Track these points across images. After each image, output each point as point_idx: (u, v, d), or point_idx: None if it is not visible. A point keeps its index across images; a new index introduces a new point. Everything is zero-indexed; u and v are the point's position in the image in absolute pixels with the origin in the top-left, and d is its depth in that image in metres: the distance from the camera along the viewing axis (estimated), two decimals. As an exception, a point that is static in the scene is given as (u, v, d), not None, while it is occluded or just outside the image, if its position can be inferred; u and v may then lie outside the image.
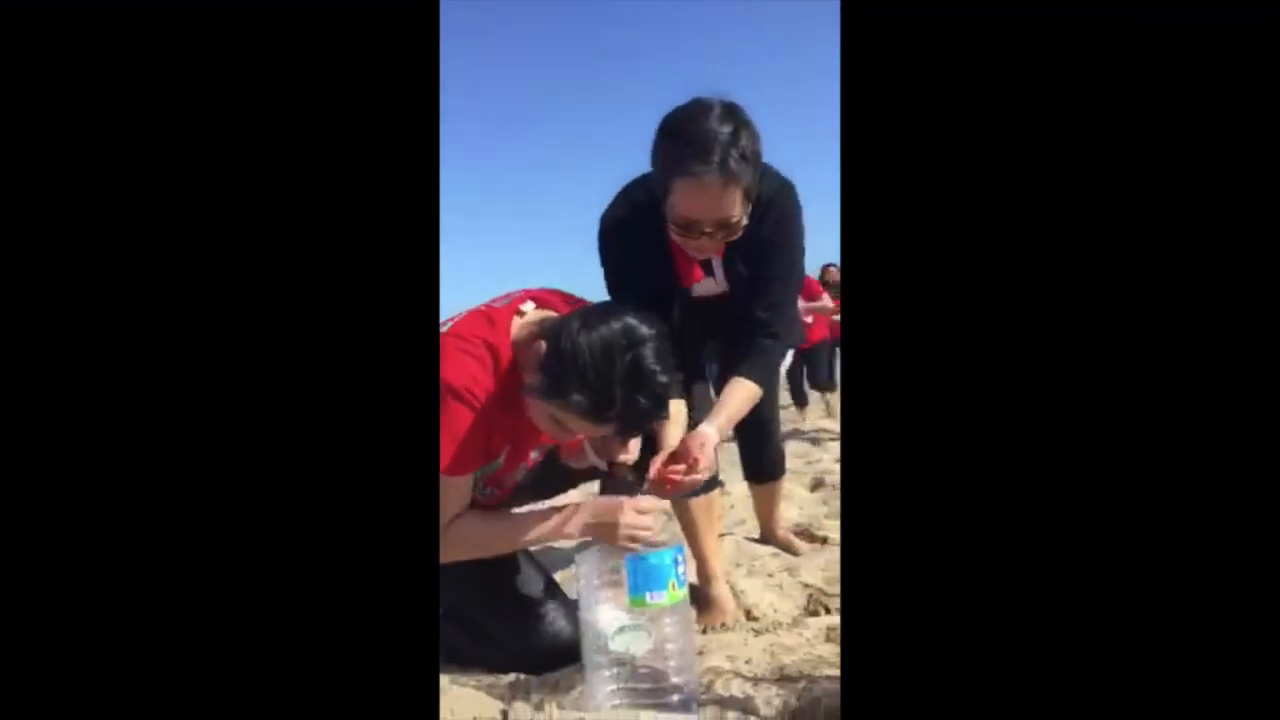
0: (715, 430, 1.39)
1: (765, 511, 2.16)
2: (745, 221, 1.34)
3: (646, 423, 1.24)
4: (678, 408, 1.43)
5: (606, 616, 1.23)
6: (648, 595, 1.19)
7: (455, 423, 1.20)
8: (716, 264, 1.54)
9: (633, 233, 1.48)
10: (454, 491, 1.27)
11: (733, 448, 2.07)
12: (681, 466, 1.34)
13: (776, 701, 1.18)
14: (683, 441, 1.36)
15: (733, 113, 1.28)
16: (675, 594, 1.21)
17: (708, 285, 1.60)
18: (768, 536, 2.17)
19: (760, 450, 2.02)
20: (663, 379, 1.15)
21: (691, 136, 1.25)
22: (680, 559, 1.24)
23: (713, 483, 1.69)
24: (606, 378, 1.12)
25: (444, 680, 1.35)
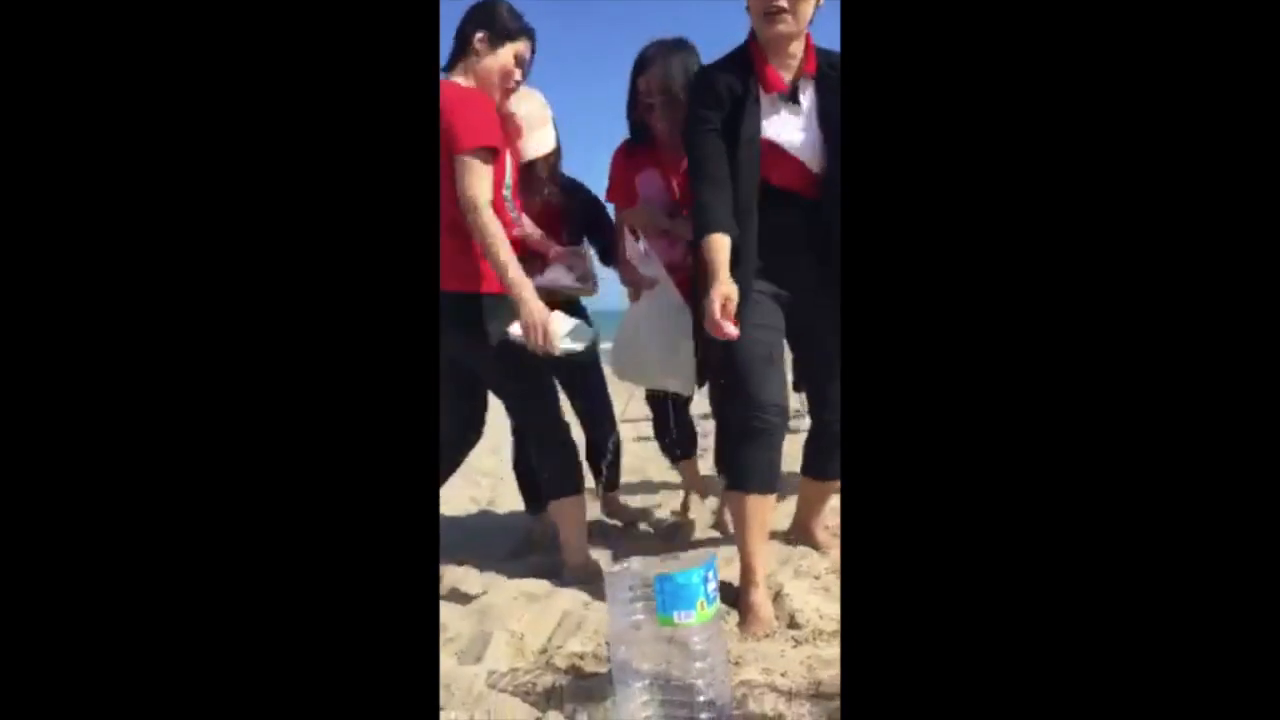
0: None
1: (811, 510, 2.04)
2: None
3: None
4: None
5: (638, 647, 1.24)
6: (676, 615, 1.18)
7: (470, 100, 1.75)
8: (807, 93, 1.68)
9: (721, 85, 1.66)
10: (485, 169, 1.72)
11: (792, 441, 1.93)
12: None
13: (809, 720, 1.16)
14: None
15: None
16: (704, 613, 1.20)
17: (790, 127, 1.68)
18: (803, 535, 2.06)
19: (831, 449, 1.88)
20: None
21: None
22: (711, 575, 1.22)
23: (774, 483, 1.70)
24: None
25: (481, 685, 1.38)
